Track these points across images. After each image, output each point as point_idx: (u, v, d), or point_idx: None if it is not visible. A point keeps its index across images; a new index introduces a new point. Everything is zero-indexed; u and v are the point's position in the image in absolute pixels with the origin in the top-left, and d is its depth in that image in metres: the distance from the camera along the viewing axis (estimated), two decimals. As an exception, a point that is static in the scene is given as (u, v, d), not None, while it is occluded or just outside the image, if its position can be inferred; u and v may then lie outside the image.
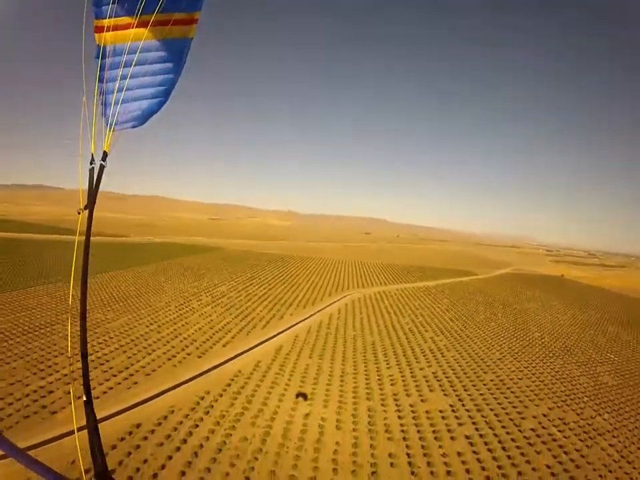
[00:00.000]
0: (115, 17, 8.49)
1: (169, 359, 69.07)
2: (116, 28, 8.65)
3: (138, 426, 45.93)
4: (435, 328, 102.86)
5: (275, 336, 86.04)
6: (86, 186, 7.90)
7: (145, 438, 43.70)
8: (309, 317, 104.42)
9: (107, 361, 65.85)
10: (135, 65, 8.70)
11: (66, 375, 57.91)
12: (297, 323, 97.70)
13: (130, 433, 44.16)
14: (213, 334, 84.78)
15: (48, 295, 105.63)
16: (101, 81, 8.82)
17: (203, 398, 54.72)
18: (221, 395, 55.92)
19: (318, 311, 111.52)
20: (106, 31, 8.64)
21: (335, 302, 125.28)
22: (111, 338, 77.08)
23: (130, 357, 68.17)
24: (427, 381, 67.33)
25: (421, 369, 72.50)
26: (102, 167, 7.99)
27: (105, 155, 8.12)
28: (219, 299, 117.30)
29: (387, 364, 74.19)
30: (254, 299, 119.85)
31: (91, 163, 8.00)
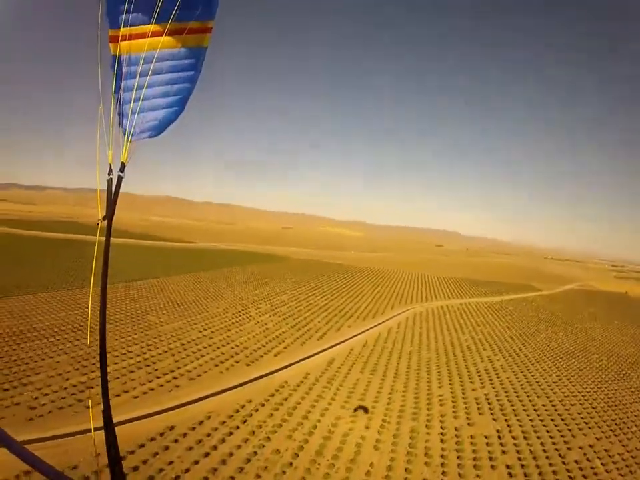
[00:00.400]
0: (129, 26, 9.06)
1: (217, 365, 72.91)
2: (131, 37, 9.22)
3: (171, 428, 49.12)
4: (493, 346, 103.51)
5: (329, 348, 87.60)
6: (104, 196, 8.45)
7: (176, 441, 46.65)
8: (367, 330, 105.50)
9: (154, 362, 71.02)
10: (151, 75, 9.22)
11: (109, 373, 63.03)
12: (354, 336, 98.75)
13: (162, 434, 47.42)
14: (266, 343, 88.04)
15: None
16: (116, 91, 9.45)
17: (243, 406, 57.17)
18: (262, 405, 58.07)
19: (378, 324, 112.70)
20: (121, 41, 9.23)
21: (396, 315, 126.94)
22: (162, 341, 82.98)
23: (177, 361, 72.94)
24: (477, 403, 66.83)
25: (473, 390, 72.41)
26: (120, 178, 8.57)
27: (123, 166, 8.70)
28: (278, 307, 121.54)
29: (439, 383, 73.81)
30: (314, 309, 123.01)
31: (109, 174, 8.58)
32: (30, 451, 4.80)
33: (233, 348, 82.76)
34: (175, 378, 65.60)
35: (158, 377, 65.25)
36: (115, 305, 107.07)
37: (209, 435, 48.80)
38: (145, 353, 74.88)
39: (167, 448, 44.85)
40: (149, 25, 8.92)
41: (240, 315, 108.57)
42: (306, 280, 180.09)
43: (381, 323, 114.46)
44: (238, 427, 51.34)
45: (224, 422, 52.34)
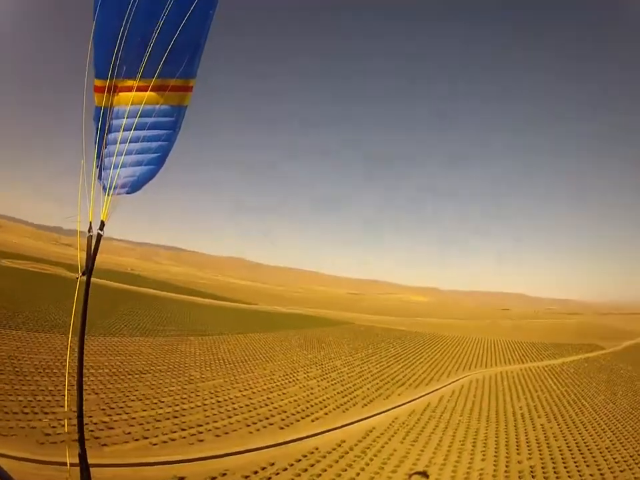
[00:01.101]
0: (117, 78, 9.36)
1: (248, 425, 70.30)
2: (117, 90, 9.55)
3: (181, 479, 46.82)
4: (548, 413, 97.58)
5: (372, 416, 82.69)
6: (84, 252, 8.96)
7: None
8: (417, 398, 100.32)
9: (183, 415, 69.91)
10: (134, 130, 9.58)
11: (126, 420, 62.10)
12: (402, 404, 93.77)
13: None
14: (307, 407, 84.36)
15: (148, 344, 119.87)
16: (98, 143, 9.83)
17: (263, 468, 53.93)
18: (285, 469, 54.52)
19: (430, 392, 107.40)
20: (107, 92, 9.50)
21: (451, 383, 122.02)
22: (197, 395, 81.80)
23: (208, 416, 71.17)
24: (519, 477, 61.32)
25: (518, 462, 66.52)
26: (99, 237, 9.01)
27: (103, 224, 9.10)
28: (328, 373, 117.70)
29: (483, 455, 67.92)
30: (365, 376, 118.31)
31: (89, 231, 9.01)
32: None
33: (270, 410, 79.88)
34: (200, 432, 63.85)
35: (183, 429, 63.91)
36: (161, 356, 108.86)
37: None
38: (177, 405, 74.17)
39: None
40: (136, 79, 9.16)
41: (286, 378, 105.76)
42: (363, 346, 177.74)
43: (433, 391, 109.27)
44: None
45: (233, 483, 49.17)
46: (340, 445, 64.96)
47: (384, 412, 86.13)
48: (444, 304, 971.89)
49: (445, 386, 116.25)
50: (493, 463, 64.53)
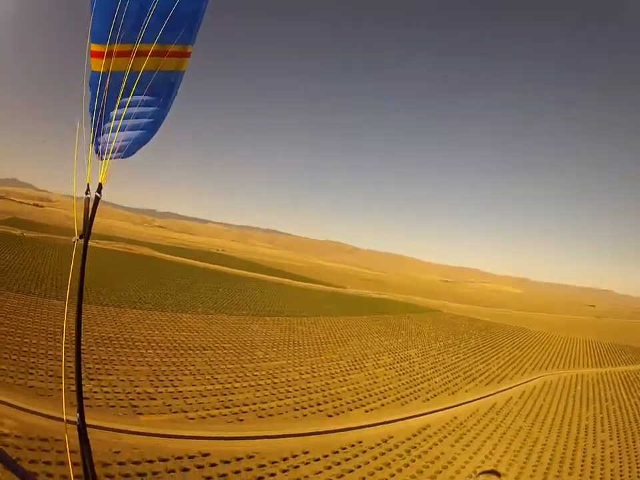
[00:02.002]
0: (117, 43, 9.09)
1: (296, 410, 69.88)
2: (117, 55, 9.30)
3: (205, 455, 48.05)
4: (612, 428, 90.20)
5: (429, 412, 78.49)
6: (81, 215, 8.65)
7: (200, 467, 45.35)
8: (484, 397, 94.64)
9: (232, 393, 71.03)
10: (132, 95, 9.42)
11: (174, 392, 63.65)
12: (466, 402, 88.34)
13: (184, 457, 46.28)
14: (365, 397, 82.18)
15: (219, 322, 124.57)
16: (96, 108, 9.62)
17: (295, 456, 53.12)
18: (317, 460, 52.94)
19: (499, 391, 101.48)
20: (106, 57, 9.28)
21: (524, 382, 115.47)
22: (254, 375, 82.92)
23: (257, 397, 71.86)
24: None
25: None
26: (97, 199, 8.87)
27: (100, 186, 8.98)
28: (399, 362, 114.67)
29: (534, 470, 61.93)
30: (438, 368, 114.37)
31: (87, 193, 8.83)
32: None
33: (324, 396, 78.83)
34: (244, 412, 64.47)
35: (227, 407, 64.94)
36: (229, 334, 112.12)
37: (237, 472, 45.61)
38: (229, 383, 75.70)
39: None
40: (135, 44, 8.98)
41: (354, 365, 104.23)
42: (444, 335, 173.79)
43: (503, 390, 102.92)
44: (273, 475, 47.07)
45: (262, 465, 48.76)
46: (385, 441, 61.95)
47: (444, 409, 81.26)
48: (532, 296, 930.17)
49: (516, 385, 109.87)
50: None
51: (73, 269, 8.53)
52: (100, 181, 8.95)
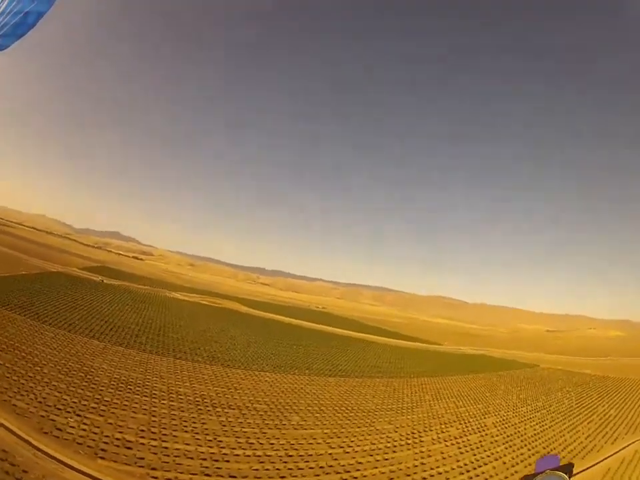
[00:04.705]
0: None
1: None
2: None
3: None
4: None
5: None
6: None
7: None
8: None
9: (226, 461, 63.28)
10: None
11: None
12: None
13: None
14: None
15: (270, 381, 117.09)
16: None
17: None
18: None
19: (577, 472, 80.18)
20: None
21: (612, 454, 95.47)
22: (271, 444, 74.35)
23: (253, 469, 63.07)
24: None
25: None
26: None
27: None
28: (467, 434, 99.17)
29: None
30: (514, 441, 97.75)
31: None
32: None
33: (340, 473, 67.65)
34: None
35: (207, 474, 57.94)
36: (270, 395, 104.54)
37: None
38: (232, 449, 68.10)
39: None
40: None
41: (408, 438, 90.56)
42: (534, 396, 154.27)
43: (581, 471, 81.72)
44: None
45: None
46: None
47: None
48: (635, 338, 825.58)
49: (601, 461, 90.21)
50: None
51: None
52: None
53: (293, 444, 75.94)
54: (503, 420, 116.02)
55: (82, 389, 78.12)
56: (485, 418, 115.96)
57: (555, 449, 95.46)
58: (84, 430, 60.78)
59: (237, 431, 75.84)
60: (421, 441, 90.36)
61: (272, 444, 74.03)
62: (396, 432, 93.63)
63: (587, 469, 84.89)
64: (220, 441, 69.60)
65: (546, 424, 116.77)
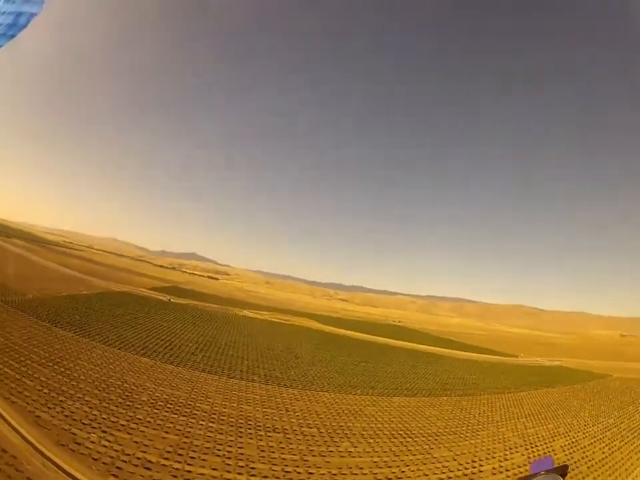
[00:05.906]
0: None
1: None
2: None
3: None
4: None
5: None
6: None
7: None
8: None
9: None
10: None
11: None
12: None
13: None
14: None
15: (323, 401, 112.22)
16: None
17: None
18: None
19: None
20: None
21: None
22: (310, 474, 70.05)
23: None
24: None
25: None
26: None
27: None
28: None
29: None
30: (580, 468, 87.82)
31: None
32: None
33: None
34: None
35: None
36: (321, 417, 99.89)
37: None
38: (263, 477, 64.59)
39: None
40: None
41: (467, 468, 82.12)
42: (606, 412, 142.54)
43: None
44: None
45: None
46: None
47: None
48: None
49: None
50: None
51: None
52: None
53: (334, 474, 70.97)
54: (572, 443, 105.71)
55: (116, 406, 78.19)
56: (553, 440, 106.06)
57: (619, 475, 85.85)
58: (104, 446, 60.53)
59: (274, 457, 72.00)
60: (480, 471, 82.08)
61: (310, 473, 69.56)
62: (454, 460, 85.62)
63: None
64: (252, 468, 66.30)
65: (615, 445, 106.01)
